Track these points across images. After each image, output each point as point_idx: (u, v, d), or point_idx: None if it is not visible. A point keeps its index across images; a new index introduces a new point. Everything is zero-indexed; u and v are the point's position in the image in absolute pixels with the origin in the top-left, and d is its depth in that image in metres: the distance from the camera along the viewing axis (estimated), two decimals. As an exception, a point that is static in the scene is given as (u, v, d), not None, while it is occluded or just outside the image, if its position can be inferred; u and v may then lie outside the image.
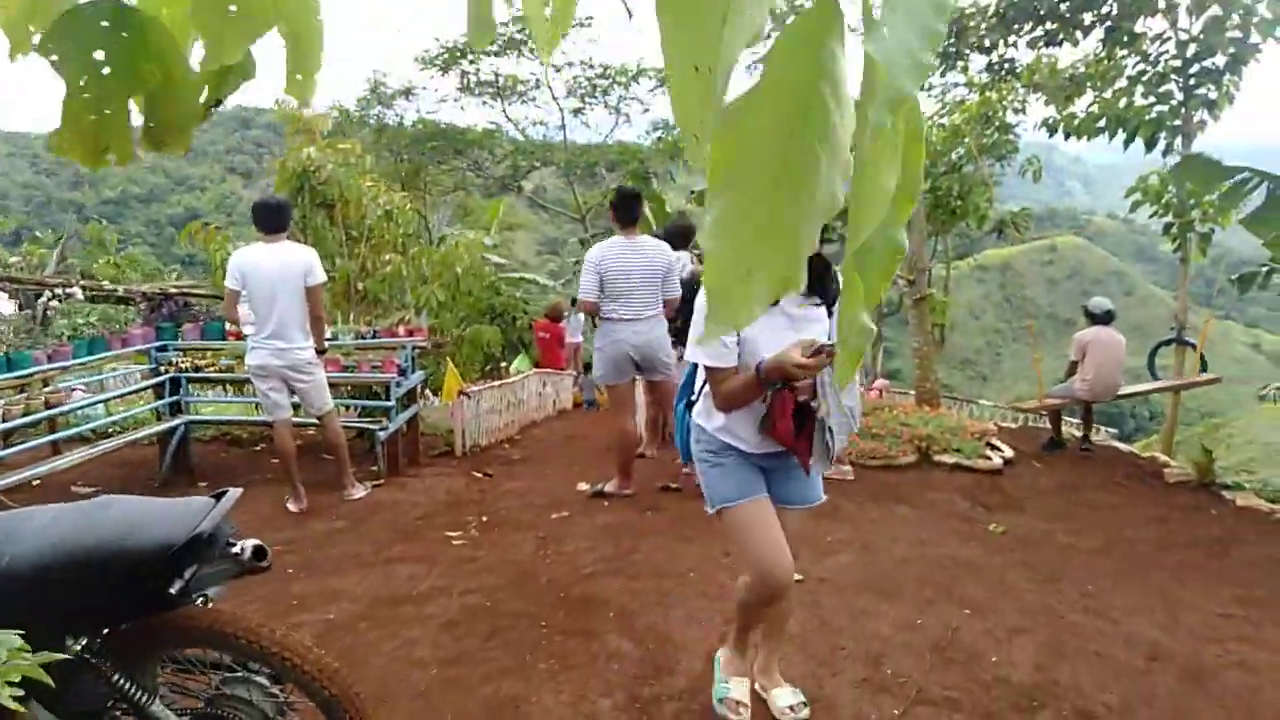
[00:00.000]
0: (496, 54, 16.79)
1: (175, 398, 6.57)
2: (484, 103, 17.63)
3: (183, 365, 6.55)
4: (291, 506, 5.65)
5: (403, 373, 6.57)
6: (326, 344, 6.58)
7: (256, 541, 2.25)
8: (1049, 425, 8.55)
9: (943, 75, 13.04)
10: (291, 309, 5.44)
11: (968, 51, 12.21)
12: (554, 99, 17.57)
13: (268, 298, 5.42)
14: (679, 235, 6.70)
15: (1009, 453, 7.43)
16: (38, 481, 6.01)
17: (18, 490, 5.77)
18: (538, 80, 17.46)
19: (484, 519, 5.42)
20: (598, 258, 5.31)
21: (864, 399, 9.26)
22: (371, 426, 6.28)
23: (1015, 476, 6.90)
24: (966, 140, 15.64)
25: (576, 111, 17.87)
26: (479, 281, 8.37)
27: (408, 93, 17.26)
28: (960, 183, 15.90)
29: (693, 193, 18.33)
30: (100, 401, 6.83)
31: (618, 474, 5.73)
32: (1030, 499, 6.22)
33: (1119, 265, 77.12)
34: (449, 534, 5.06)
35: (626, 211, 5.32)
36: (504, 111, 17.85)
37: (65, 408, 6.50)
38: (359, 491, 5.88)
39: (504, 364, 9.43)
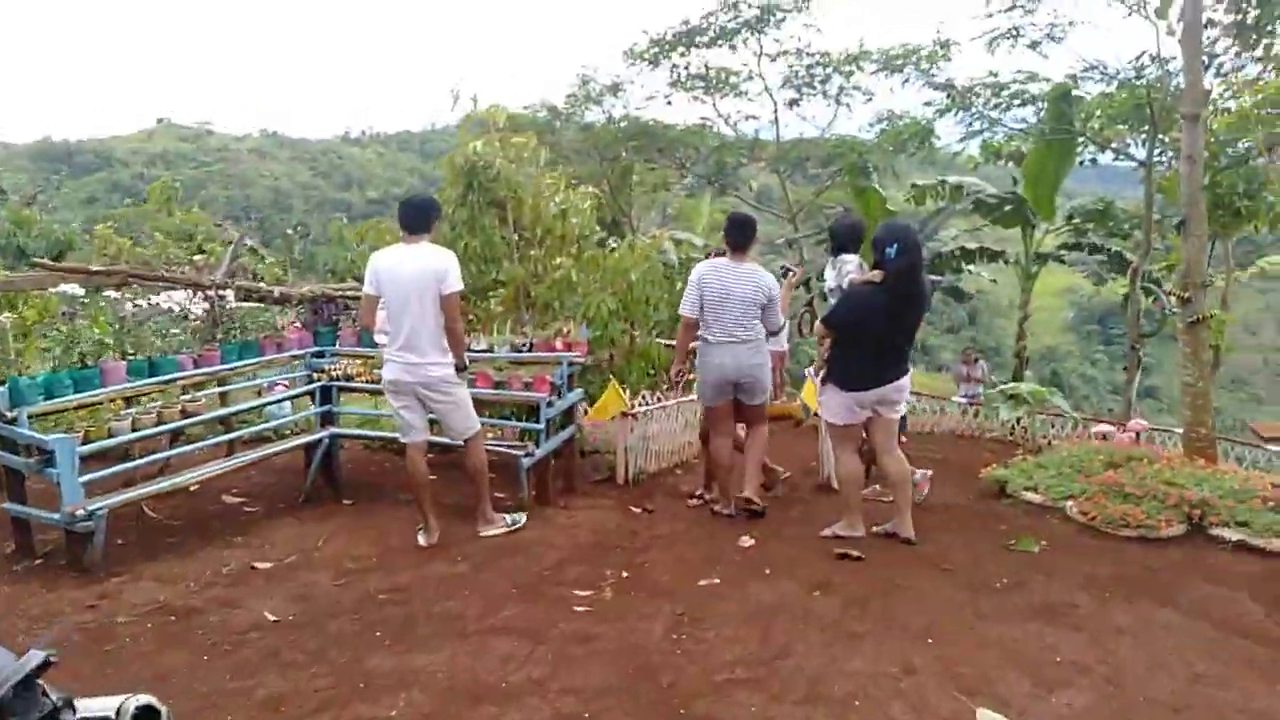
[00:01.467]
0: (708, 45, 15.98)
1: (326, 407, 6.25)
2: (694, 98, 16.88)
3: (335, 374, 6.21)
4: (421, 540, 5.10)
5: (557, 391, 5.89)
6: (477, 356, 6.04)
7: (146, 700, 1.51)
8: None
9: (1238, 54, 10.77)
10: (424, 319, 4.88)
11: (1271, 25, 9.96)
12: (766, 90, 16.50)
13: (400, 305, 4.90)
14: (847, 235, 5.67)
15: (1316, 527, 5.69)
16: (195, 487, 5.85)
17: (170, 496, 5.64)
18: (751, 72, 16.47)
19: (624, 575, 4.59)
20: (699, 276, 5.38)
21: (1113, 442, 7.62)
22: (514, 452, 5.62)
23: (1326, 563, 5.20)
24: (1258, 129, 13.09)
25: (793, 103, 16.70)
26: (657, 288, 7.56)
27: (615, 89, 16.81)
28: (1248, 179, 13.29)
29: (914, 186, 16.66)
30: (279, 401, 6.64)
31: (705, 481, 5.96)
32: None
33: None
34: (577, 593, 4.28)
35: (737, 236, 5.39)
36: (714, 106, 16.99)
37: (242, 406, 6.36)
38: (494, 528, 5.24)
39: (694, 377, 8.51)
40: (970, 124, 14.03)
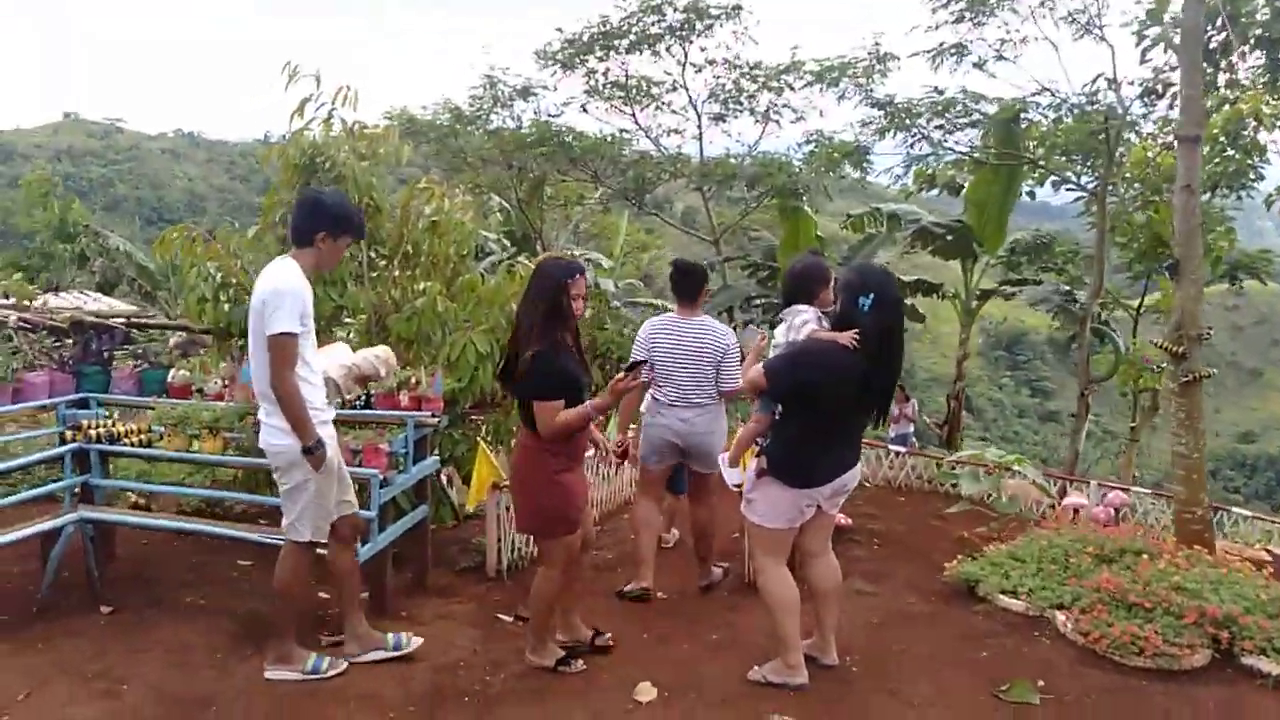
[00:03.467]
0: (628, 51, 14.64)
1: (83, 477, 4.57)
2: (613, 107, 15.48)
3: (95, 432, 4.54)
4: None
5: (395, 465, 4.35)
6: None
7: None
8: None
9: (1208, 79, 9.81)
10: (259, 364, 3.49)
11: (1242, 46, 9.07)
12: (691, 104, 15.21)
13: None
14: (798, 283, 3.97)
15: (1357, 648, 4.52)
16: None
17: None
18: (675, 82, 15.17)
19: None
20: (647, 333, 4.85)
21: (1086, 519, 6.43)
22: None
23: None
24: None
25: (718, 118, 15.47)
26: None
27: (526, 93, 15.30)
28: (1194, 215, 12.54)
29: (849, 216, 15.62)
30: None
31: (636, 564, 4.97)
32: None
33: (1316, 316, 68.79)
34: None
35: (684, 287, 4.85)
36: (634, 117, 15.60)
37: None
38: (282, 669, 3.67)
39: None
40: (911, 145, 12.96)
